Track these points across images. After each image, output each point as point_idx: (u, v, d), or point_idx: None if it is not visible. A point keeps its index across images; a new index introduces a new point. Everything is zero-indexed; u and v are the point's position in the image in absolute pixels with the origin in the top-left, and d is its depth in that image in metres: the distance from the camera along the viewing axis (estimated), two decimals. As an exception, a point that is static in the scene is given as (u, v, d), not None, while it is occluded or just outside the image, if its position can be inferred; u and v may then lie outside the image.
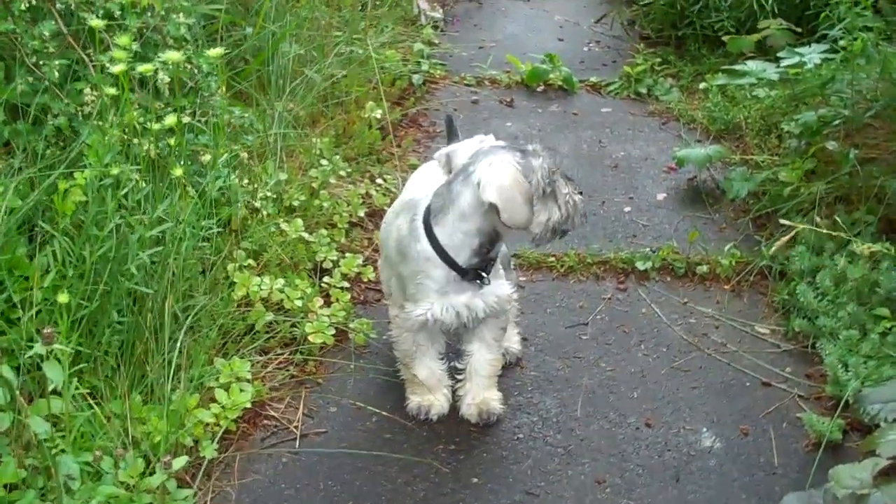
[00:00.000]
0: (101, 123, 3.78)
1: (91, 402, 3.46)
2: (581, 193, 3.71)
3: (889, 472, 3.32)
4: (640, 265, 5.03)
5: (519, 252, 5.11)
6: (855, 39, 5.21)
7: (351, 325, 4.40)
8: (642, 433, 3.96)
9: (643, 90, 7.06)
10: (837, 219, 4.75)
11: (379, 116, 5.91)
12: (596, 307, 4.78)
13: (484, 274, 3.68)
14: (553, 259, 5.09)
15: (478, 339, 3.93)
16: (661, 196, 5.74)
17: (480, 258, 3.64)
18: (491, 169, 3.49)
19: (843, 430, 3.89)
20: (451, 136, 4.29)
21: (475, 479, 3.76)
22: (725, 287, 4.92)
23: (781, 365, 4.37)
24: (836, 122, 5.09)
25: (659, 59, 7.31)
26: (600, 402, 4.17)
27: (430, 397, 4.00)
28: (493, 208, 3.48)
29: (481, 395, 3.99)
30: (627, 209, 5.63)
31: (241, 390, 3.80)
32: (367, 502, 3.60)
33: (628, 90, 7.10)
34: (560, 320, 4.69)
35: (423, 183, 3.99)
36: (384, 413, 4.03)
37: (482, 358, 3.95)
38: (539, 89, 7.13)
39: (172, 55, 3.69)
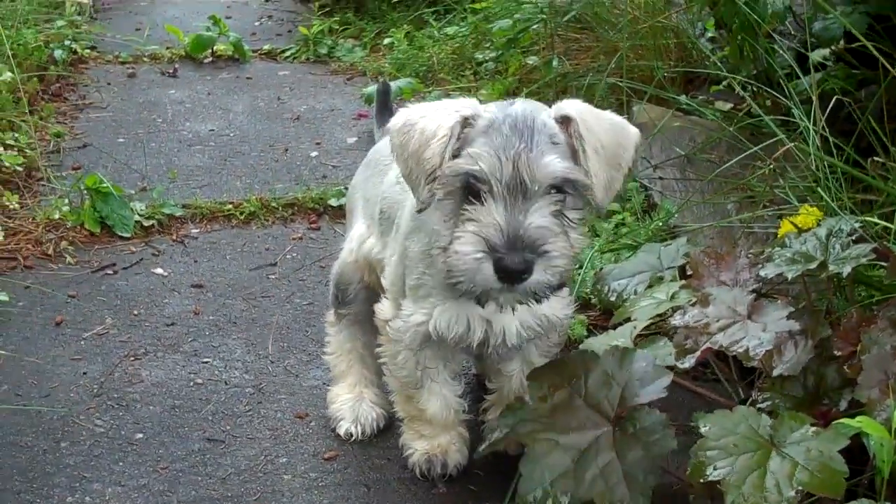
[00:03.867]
0: None
1: None
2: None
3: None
4: (334, 202, 4.31)
5: (189, 201, 4.29)
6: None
7: None
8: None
9: (324, 52, 6.40)
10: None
11: (8, 80, 4.94)
12: (285, 248, 4.01)
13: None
14: (231, 206, 4.29)
15: (520, 358, 2.69)
16: (351, 140, 5.07)
17: None
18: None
19: (586, 328, 3.30)
20: (384, 109, 3.35)
21: (139, 436, 2.89)
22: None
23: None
24: (535, 24, 4.60)
25: (337, 21, 6.68)
26: (295, 337, 3.39)
27: (441, 441, 2.69)
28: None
29: None
30: (314, 153, 4.91)
31: None
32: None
33: (307, 53, 6.42)
34: (243, 264, 3.90)
35: None
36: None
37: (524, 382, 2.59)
38: (207, 60, 6.33)
39: None
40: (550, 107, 2.31)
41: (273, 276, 3.80)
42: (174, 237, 4.09)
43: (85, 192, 4.14)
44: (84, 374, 3.18)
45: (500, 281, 2.16)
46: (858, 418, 2.17)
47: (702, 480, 2.22)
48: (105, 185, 4.12)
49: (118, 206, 4.14)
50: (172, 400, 3.05)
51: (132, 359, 3.27)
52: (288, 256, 3.94)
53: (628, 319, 2.80)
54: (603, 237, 3.68)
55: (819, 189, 3.05)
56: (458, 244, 2.18)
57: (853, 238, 2.64)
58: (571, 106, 2.27)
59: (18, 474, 2.72)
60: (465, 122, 2.21)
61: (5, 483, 2.68)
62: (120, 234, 4.08)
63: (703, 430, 2.29)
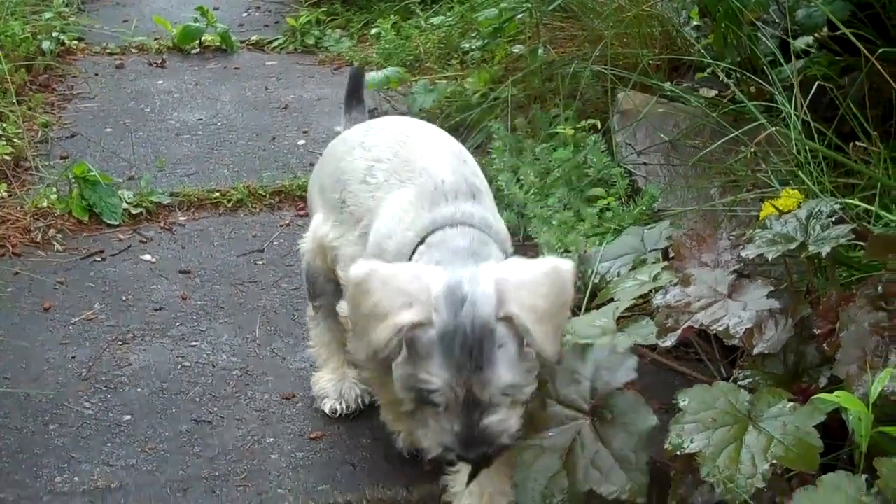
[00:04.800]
0: None
1: None
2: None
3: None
4: (320, 190, 4.32)
5: (177, 189, 4.32)
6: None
7: None
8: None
9: (311, 42, 6.40)
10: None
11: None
12: (272, 234, 4.03)
13: None
14: (218, 194, 4.31)
15: None
16: (338, 129, 5.03)
17: None
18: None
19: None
20: (354, 95, 3.36)
21: (127, 417, 2.92)
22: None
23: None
24: (521, 13, 4.63)
25: (324, 11, 6.68)
26: (282, 321, 3.42)
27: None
28: None
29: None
30: (302, 142, 4.93)
31: None
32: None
33: (294, 44, 6.41)
34: (231, 250, 3.92)
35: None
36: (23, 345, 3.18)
37: None
38: (194, 51, 6.33)
39: None
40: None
41: (260, 262, 3.82)
42: (162, 224, 4.10)
43: (73, 180, 4.15)
44: (72, 357, 3.20)
45: (460, 462, 2.26)
46: (836, 393, 2.20)
47: (678, 453, 2.25)
48: (93, 173, 4.13)
49: (106, 195, 4.15)
50: (160, 382, 3.08)
51: (120, 343, 3.29)
52: (275, 243, 3.96)
53: (611, 300, 2.83)
54: (587, 221, 3.70)
55: (800, 173, 3.08)
56: (421, 439, 2.25)
57: (833, 219, 2.67)
58: (510, 295, 2.18)
59: (8, 455, 2.74)
60: (417, 324, 2.16)
61: (-6, 464, 2.71)
62: (108, 221, 4.09)
63: (681, 404, 2.32)
